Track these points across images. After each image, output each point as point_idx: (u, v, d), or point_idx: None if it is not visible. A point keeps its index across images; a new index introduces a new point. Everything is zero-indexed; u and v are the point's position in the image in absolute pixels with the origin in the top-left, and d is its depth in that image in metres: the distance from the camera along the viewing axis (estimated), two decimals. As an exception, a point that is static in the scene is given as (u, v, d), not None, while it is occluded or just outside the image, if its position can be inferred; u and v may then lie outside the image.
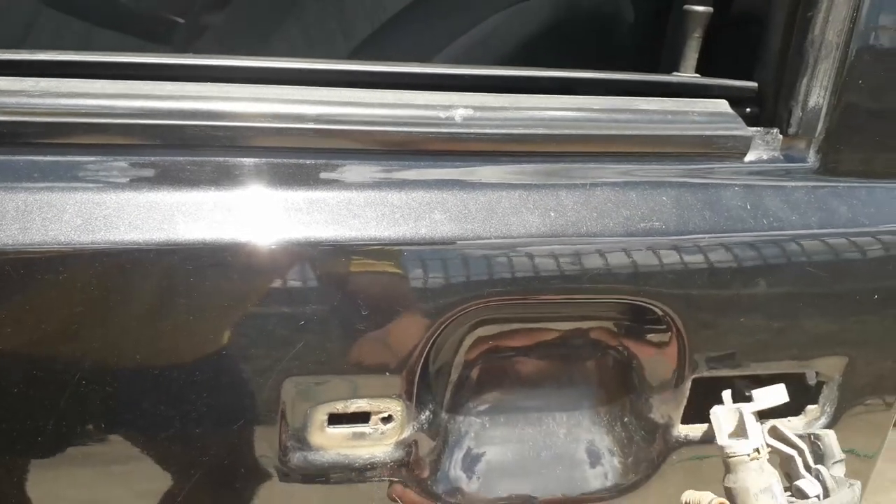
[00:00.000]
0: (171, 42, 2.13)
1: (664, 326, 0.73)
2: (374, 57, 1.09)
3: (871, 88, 0.74)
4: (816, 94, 0.74)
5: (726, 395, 0.71)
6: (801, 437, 0.72)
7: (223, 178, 0.63)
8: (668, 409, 0.76)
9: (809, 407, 0.80)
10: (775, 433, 0.71)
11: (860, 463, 0.85)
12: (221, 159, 0.63)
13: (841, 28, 0.72)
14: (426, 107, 0.68)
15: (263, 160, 0.64)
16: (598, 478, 0.77)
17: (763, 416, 0.72)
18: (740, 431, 0.68)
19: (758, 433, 0.68)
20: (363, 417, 0.69)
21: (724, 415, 0.69)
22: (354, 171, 0.67)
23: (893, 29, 0.73)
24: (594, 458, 0.78)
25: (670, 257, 0.70)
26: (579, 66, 0.75)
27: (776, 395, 0.71)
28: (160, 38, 2.28)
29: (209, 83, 0.65)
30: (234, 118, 0.63)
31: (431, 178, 0.68)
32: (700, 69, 0.81)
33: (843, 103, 0.74)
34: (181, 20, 2.27)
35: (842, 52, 0.72)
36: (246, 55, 0.73)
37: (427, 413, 0.72)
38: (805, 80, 0.73)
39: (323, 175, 0.66)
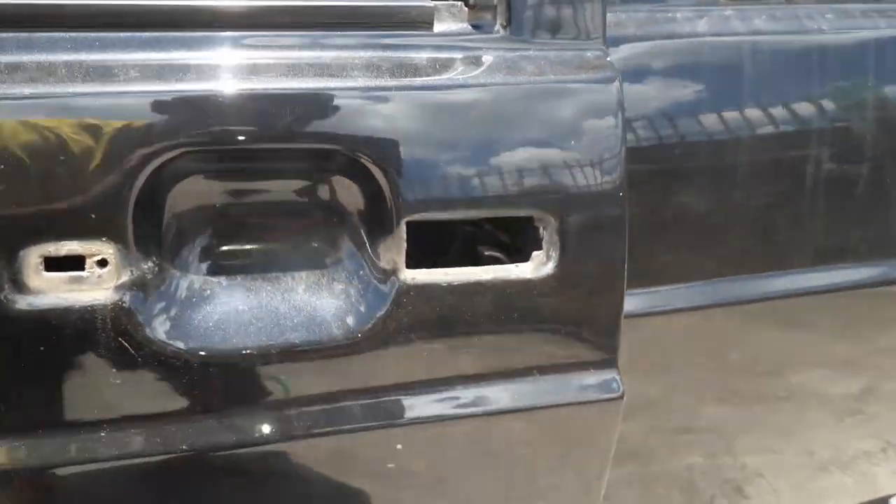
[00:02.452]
0: None
1: (371, 175, 0.80)
2: None
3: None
4: None
5: None
6: None
7: None
8: (391, 255, 0.81)
9: (535, 252, 0.85)
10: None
11: (598, 334, 0.89)
12: None
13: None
14: None
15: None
16: (338, 327, 0.81)
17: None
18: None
19: None
20: (80, 263, 0.75)
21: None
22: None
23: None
24: (333, 309, 0.82)
25: (367, 108, 0.79)
26: None
27: None
28: None
29: None
30: None
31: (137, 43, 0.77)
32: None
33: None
34: None
35: None
36: None
37: (150, 263, 0.78)
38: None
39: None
